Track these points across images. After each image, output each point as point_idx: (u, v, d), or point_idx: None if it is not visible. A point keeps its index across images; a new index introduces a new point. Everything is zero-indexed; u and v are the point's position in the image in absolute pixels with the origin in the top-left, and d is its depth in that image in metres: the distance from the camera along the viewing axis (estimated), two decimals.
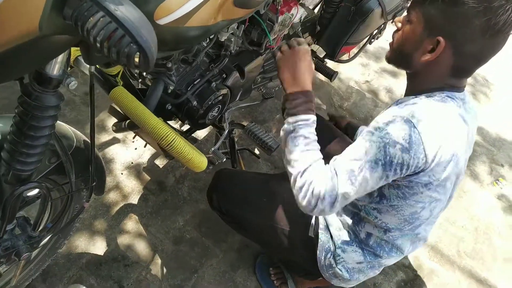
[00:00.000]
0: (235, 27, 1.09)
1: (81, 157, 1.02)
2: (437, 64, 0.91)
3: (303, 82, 0.99)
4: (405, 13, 1.02)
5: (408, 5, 1.60)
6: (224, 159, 1.35)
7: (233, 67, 1.36)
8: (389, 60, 1.02)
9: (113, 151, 1.72)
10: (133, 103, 0.92)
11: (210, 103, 1.28)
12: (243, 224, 1.28)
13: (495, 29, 0.81)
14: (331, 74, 1.67)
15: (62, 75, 0.73)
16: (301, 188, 0.91)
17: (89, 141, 1.08)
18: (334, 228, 1.16)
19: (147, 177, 1.68)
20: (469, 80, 1.01)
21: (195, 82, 1.25)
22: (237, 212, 1.24)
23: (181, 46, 0.90)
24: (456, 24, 0.84)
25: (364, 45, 1.75)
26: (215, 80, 1.31)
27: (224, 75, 1.34)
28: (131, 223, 1.54)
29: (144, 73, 1.12)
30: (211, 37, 1.12)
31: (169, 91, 1.16)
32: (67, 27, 0.56)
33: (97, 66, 0.99)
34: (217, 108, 1.36)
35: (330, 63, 1.79)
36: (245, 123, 1.51)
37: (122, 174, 1.66)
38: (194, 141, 1.51)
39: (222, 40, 1.15)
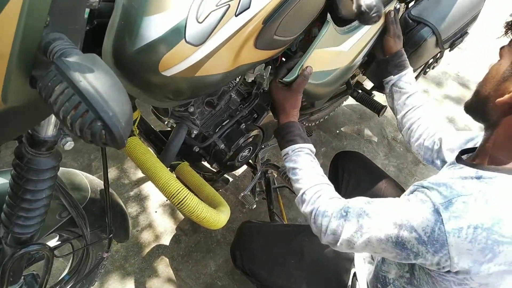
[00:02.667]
0: (262, 68, 1.00)
1: (97, 207, 0.97)
2: None
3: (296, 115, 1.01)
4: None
5: (469, 30, 1.42)
6: (254, 206, 1.25)
7: (266, 106, 1.26)
8: (466, 108, 0.81)
9: (147, 188, 1.68)
10: (144, 155, 0.85)
11: (239, 145, 1.19)
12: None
13: None
14: (379, 109, 1.50)
15: (57, 135, 0.67)
16: (310, 213, 0.88)
17: (110, 190, 1.04)
18: None
19: (181, 216, 1.62)
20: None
21: (224, 124, 1.17)
22: (262, 275, 1.10)
23: (195, 95, 0.82)
24: None
25: (418, 75, 1.56)
26: (246, 120, 1.22)
27: (255, 115, 1.25)
28: (162, 266, 1.47)
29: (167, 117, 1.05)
30: (236, 79, 1.03)
31: (193, 135, 1.09)
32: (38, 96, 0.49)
33: None
34: (247, 150, 1.26)
35: (378, 95, 1.63)
36: (281, 163, 1.40)
37: (156, 212, 1.62)
38: (226, 182, 1.42)
39: (249, 81, 1.06)
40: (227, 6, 0.71)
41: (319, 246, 1.15)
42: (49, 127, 0.65)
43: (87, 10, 0.56)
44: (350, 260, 1.11)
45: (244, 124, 1.19)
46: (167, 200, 1.65)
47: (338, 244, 0.81)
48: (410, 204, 0.73)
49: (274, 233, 1.20)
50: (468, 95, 2.39)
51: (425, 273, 0.78)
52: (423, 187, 0.74)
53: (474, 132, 0.99)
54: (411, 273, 0.83)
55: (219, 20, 0.71)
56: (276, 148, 1.74)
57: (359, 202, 0.82)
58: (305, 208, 0.89)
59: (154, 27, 0.67)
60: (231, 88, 1.06)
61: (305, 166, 0.92)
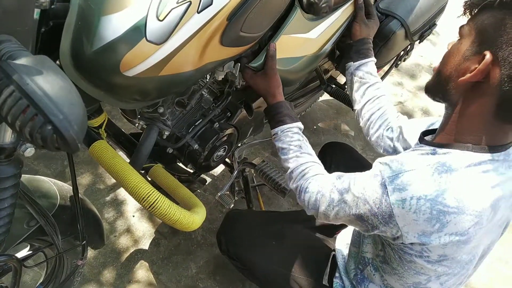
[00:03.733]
0: (232, 65, 0.99)
1: (67, 214, 0.95)
2: (478, 93, 0.68)
3: (281, 93, 1.02)
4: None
5: (437, 21, 1.44)
6: (232, 205, 1.23)
7: (239, 104, 1.25)
8: (427, 88, 0.82)
9: (124, 192, 1.65)
10: (113, 159, 0.83)
11: (213, 145, 1.17)
12: (252, 270, 1.15)
13: None
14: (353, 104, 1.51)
15: (15, 142, 0.64)
16: (295, 189, 0.95)
17: (80, 196, 1.01)
18: (350, 276, 1.01)
19: (159, 220, 1.59)
20: None
21: (197, 124, 1.15)
22: (245, 256, 1.12)
23: (162, 95, 0.81)
24: (510, 38, 0.63)
25: (390, 68, 1.58)
26: (219, 119, 1.21)
27: (229, 114, 1.24)
28: (142, 271, 1.45)
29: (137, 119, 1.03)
30: (207, 77, 1.02)
31: (165, 136, 1.07)
32: None
33: None
34: (223, 149, 1.25)
35: None
36: (260, 160, 1.39)
37: (133, 216, 1.59)
38: (203, 182, 1.41)
39: (219, 79, 1.05)
40: (188, 3, 0.70)
41: (300, 231, 1.17)
42: (6, 133, 0.63)
43: (37, 10, 0.54)
44: (330, 246, 1.14)
45: (217, 123, 1.18)
46: None
47: (319, 216, 0.89)
48: (366, 178, 0.78)
49: (257, 218, 1.23)
50: None
51: (391, 249, 0.81)
52: (380, 162, 0.78)
53: (434, 117, 1.01)
54: (384, 251, 0.86)
55: (181, 17, 0.70)
56: (253, 146, 1.73)
57: (331, 178, 0.88)
58: (292, 185, 0.97)
59: (112, 27, 0.65)
60: (201, 87, 1.04)
61: (293, 146, 0.96)
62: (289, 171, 0.97)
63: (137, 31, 0.66)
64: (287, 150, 0.97)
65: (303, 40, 1.09)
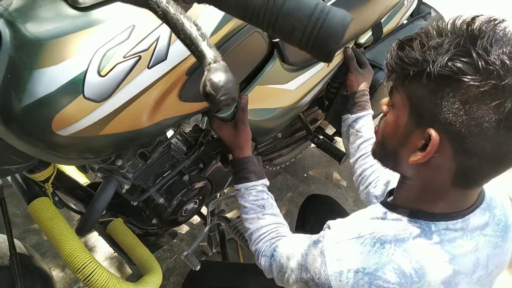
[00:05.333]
0: (199, 118, 0.92)
1: (3, 275, 0.85)
2: (432, 165, 0.58)
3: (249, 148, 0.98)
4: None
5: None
6: (198, 267, 1.13)
7: (214, 155, 1.17)
8: (374, 154, 0.73)
9: (94, 238, 1.55)
10: (51, 221, 0.74)
11: (181, 199, 1.08)
12: None
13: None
14: (339, 157, 1.43)
15: None
16: (254, 251, 0.91)
17: (25, 251, 0.92)
18: None
19: (129, 270, 1.48)
20: None
21: (164, 175, 1.07)
22: None
23: (106, 154, 0.73)
24: (451, 111, 0.53)
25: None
26: (190, 171, 1.13)
27: (201, 165, 1.16)
28: None
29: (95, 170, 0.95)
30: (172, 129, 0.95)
31: (124, 190, 0.98)
32: None
33: (23, 172, 0.84)
34: (193, 203, 1.16)
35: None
36: (236, 214, 1.30)
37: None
38: (172, 236, 1.31)
39: (187, 131, 0.98)
40: (137, 57, 0.64)
41: (263, 283, 1.07)
42: None
43: None
44: None
45: (187, 175, 1.10)
46: (114, 252, 1.52)
47: (276, 281, 0.85)
48: (308, 244, 0.72)
49: (223, 270, 1.17)
50: None
51: None
52: (327, 225, 0.72)
53: None
54: None
55: (127, 72, 0.63)
56: (230, 198, 1.65)
57: (288, 241, 0.83)
58: (251, 247, 0.93)
59: (45, 81, 0.58)
60: (167, 138, 0.97)
61: (256, 205, 0.92)
62: (248, 232, 0.93)
63: (74, 87, 0.59)
64: (248, 209, 0.92)
65: (280, 91, 1.03)
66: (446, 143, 0.55)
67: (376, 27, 1.29)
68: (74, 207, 0.99)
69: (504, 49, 0.50)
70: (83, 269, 0.70)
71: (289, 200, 1.85)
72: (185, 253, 1.14)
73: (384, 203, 0.69)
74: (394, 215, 0.64)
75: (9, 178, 0.84)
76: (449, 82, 0.52)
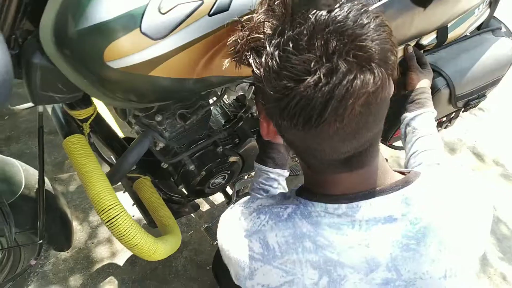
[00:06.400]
0: (246, 87, 0.89)
1: (29, 207, 0.85)
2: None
3: None
4: None
5: (488, 93, 1.29)
6: (215, 243, 1.10)
7: (251, 133, 1.14)
8: None
9: None
10: (84, 158, 0.73)
11: (211, 169, 1.06)
12: None
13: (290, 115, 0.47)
14: None
15: None
16: None
17: (52, 189, 0.92)
18: None
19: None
20: None
21: (199, 142, 1.05)
22: None
23: (150, 99, 0.71)
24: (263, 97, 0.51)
25: None
26: (225, 144, 1.10)
27: (237, 140, 1.13)
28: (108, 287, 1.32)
29: (133, 122, 0.94)
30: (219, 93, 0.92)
31: (158, 148, 0.97)
32: None
33: (63, 106, 0.84)
34: (221, 177, 1.14)
35: (382, 147, 1.49)
36: None
37: None
38: (195, 208, 1.29)
39: (230, 99, 0.95)
40: (200, 2, 0.61)
41: None
42: None
43: None
44: None
45: (221, 147, 1.08)
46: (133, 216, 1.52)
47: None
48: None
49: None
50: (482, 167, 2.23)
51: None
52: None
53: None
54: None
55: (187, 15, 0.61)
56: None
57: None
58: None
59: (105, 8, 0.57)
60: (209, 104, 0.95)
61: (260, 189, 0.87)
62: None
63: (132, 19, 0.58)
64: (254, 187, 0.88)
65: None
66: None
67: (442, 31, 1.22)
68: (104, 156, 0.98)
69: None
70: (108, 210, 0.69)
71: None
72: (206, 226, 1.12)
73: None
74: (292, 193, 0.61)
75: (49, 111, 0.84)
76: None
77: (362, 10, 0.45)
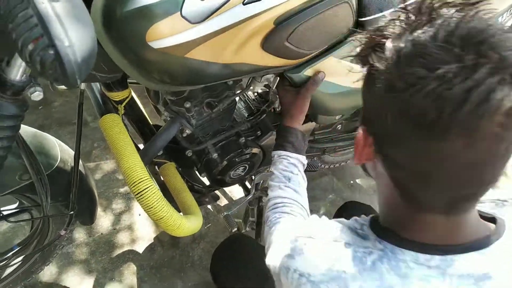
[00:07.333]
0: (270, 78, 0.93)
1: (63, 179, 0.91)
2: (379, 178, 0.53)
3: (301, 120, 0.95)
4: None
5: None
6: (235, 229, 1.14)
7: (272, 127, 1.18)
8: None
9: None
10: (118, 135, 0.79)
11: (233, 159, 1.11)
12: None
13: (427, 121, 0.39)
14: None
15: (26, 82, 0.62)
16: (266, 218, 0.83)
17: (82, 168, 0.98)
18: None
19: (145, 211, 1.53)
20: None
21: (223, 132, 1.10)
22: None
23: (184, 81, 0.76)
24: (372, 109, 0.49)
25: None
26: (247, 135, 1.15)
27: (259, 133, 1.17)
28: (127, 272, 1.37)
29: (162, 109, 1.00)
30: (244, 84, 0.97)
31: (185, 134, 1.02)
32: None
33: (101, 88, 0.90)
34: (242, 168, 1.18)
35: None
36: None
37: (139, 215, 1.54)
38: (215, 199, 1.33)
39: (256, 90, 1.00)
40: None
41: None
42: (19, 71, 0.61)
43: None
44: None
45: (244, 138, 1.12)
46: None
47: None
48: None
49: (252, 249, 1.10)
50: None
51: None
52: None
53: None
54: None
55: (224, 2, 0.66)
56: None
57: (288, 220, 0.78)
58: (266, 212, 0.87)
59: None
60: (235, 94, 0.99)
61: (282, 175, 0.88)
62: (268, 197, 0.89)
63: (174, 3, 0.63)
64: (275, 176, 0.88)
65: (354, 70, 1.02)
66: (371, 143, 0.49)
67: None
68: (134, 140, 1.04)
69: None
70: (138, 183, 0.74)
71: (330, 202, 1.81)
72: (225, 213, 1.15)
73: (372, 219, 0.57)
74: (367, 231, 0.54)
75: (88, 92, 0.90)
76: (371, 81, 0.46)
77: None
